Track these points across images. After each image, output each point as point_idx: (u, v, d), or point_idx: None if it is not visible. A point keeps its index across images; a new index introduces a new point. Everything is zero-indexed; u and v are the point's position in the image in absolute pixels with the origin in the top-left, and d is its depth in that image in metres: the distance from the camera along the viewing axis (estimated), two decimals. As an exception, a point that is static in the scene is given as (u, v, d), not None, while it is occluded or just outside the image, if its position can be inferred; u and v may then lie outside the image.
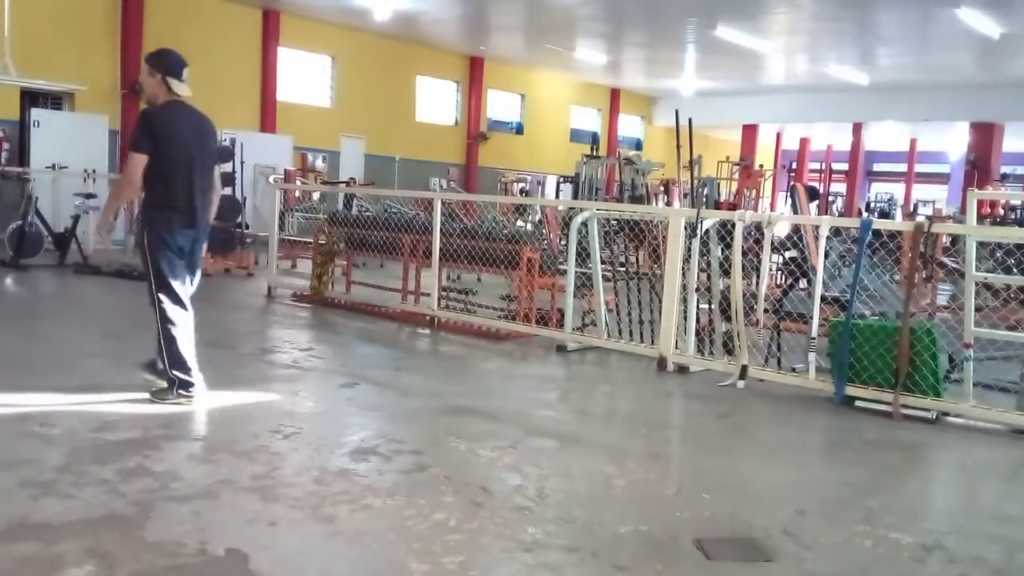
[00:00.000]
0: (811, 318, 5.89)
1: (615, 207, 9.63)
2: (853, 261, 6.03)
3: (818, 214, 9.86)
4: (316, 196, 14.86)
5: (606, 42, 21.12)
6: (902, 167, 34.07)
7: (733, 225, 6.22)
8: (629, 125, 29.93)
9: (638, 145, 29.23)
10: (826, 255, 6.07)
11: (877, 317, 6.27)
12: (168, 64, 4.79)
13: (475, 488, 3.71)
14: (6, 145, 14.54)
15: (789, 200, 8.22)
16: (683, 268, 6.54)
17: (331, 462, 3.99)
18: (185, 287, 4.90)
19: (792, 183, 17.57)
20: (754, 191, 20.01)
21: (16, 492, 3.40)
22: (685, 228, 6.55)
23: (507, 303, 8.49)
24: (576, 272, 7.36)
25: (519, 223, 13.11)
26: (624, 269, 8.22)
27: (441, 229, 8.09)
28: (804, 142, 32.93)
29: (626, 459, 4.29)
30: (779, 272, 8.76)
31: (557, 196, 21.07)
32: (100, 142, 15.21)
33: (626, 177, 14.59)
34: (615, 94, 28.30)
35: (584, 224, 7.29)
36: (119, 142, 16.01)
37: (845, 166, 30.27)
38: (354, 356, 6.97)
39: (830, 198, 27.32)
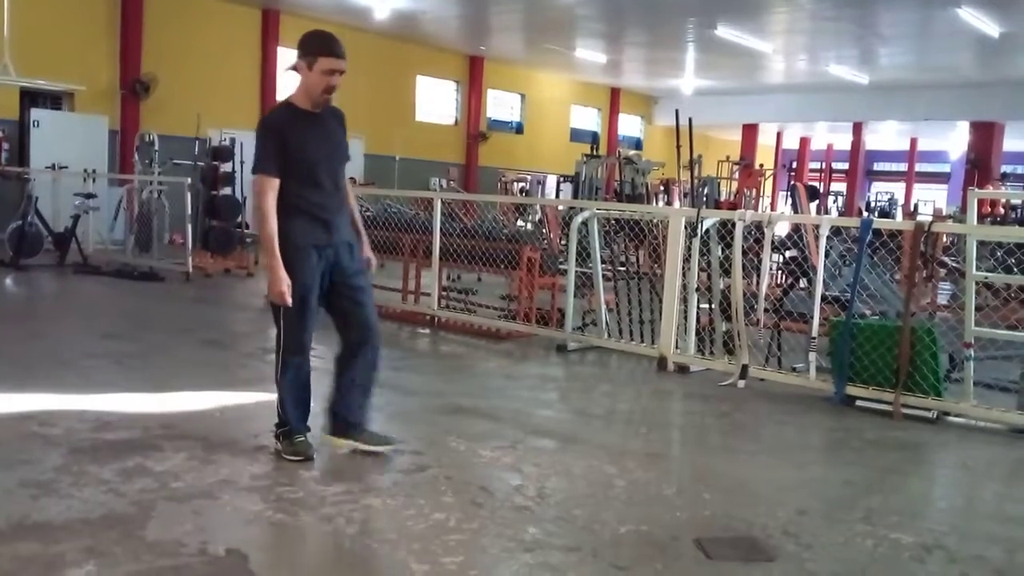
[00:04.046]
0: (811, 318, 5.88)
1: (615, 207, 9.62)
2: (853, 261, 6.03)
3: (818, 214, 9.85)
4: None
5: (606, 42, 21.11)
6: (902, 166, 34.15)
7: (733, 224, 6.21)
8: (629, 125, 29.92)
9: (638, 145, 29.22)
10: (826, 255, 6.06)
11: (877, 317, 6.27)
12: None
13: (475, 488, 3.71)
14: (6, 145, 14.51)
15: (789, 199, 8.22)
16: (683, 268, 6.54)
17: (331, 462, 3.99)
18: None
19: (792, 183, 17.55)
20: (754, 190, 19.98)
21: (16, 492, 3.40)
22: (685, 228, 6.54)
23: (507, 303, 8.49)
24: (576, 272, 7.35)
25: (519, 223, 13.08)
26: (624, 269, 8.22)
27: (441, 229, 8.09)
28: (804, 141, 32.93)
29: (626, 459, 4.28)
30: (779, 272, 8.75)
31: (557, 196, 21.05)
32: (100, 142, 15.21)
33: (626, 177, 14.57)
34: (615, 94, 28.28)
35: (584, 224, 7.29)
36: (119, 142, 16.01)
37: (845, 165, 30.28)
38: (354, 356, 6.94)
39: (830, 197, 27.31)
